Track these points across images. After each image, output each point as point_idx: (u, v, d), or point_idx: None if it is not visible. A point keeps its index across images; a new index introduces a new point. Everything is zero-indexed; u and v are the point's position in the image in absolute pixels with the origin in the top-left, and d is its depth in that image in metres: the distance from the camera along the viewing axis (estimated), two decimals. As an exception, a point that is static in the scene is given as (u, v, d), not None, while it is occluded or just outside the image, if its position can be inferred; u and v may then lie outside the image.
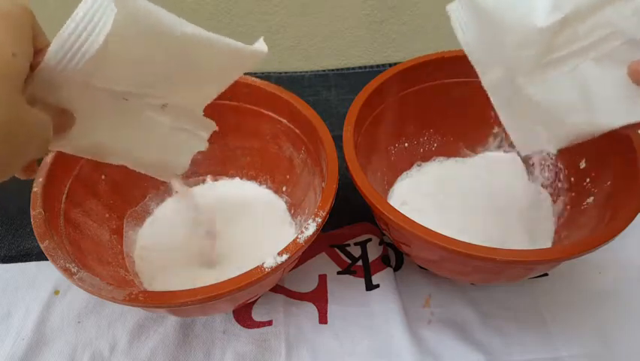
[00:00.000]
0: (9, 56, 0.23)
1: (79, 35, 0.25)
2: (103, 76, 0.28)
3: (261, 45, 0.35)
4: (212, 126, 0.40)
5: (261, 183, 0.54)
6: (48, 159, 0.41)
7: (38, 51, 0.26)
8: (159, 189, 0.52)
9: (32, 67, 0.26)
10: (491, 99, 0.36)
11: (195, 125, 0.38)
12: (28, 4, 0.26)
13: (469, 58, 0.35)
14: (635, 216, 0.36)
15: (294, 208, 0.50)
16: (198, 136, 0.39)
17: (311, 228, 0.37)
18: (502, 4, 0.33)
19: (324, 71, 0.73)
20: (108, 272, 0.41)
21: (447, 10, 0.35)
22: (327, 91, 0.69)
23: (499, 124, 0.37)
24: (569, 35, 0.31)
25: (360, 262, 0.49)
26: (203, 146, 0.40)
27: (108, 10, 0.25)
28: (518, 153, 0.40)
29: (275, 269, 0.34)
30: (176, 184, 0.44)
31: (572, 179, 0.47)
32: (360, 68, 0.73)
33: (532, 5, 0.31)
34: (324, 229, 0.38)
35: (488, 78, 0.36)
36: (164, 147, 0.38)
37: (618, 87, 0.31)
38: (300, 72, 0.72)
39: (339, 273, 0.48)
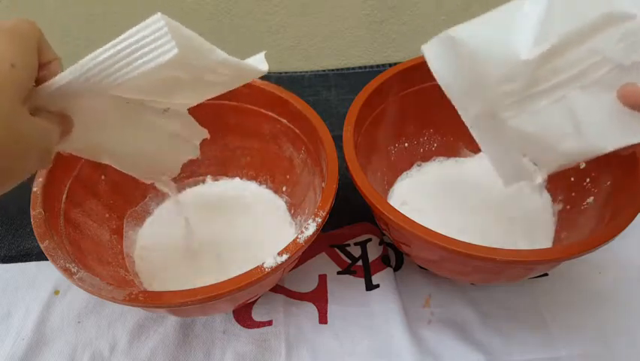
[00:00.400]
0: (7, 66, 0.23)
1: (127, 55, 0.25)
2: (121, 88, 0.28)
3: (262, 64, 0.36)
4: (205, 134, 0.41)
5: (261, 183, 0.54)
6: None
7: (44, 65, 0.26)
8: (159, 189, 0.52)
9: (39, 80, 0.26)
10: (472, 134, 0.36)
11: (190, 132, 0.39)
12: (34, 22, 0.26)
13: (448, 95, 0.35)
14: (635, 216, 0.36)
15: (294, 208, 0.50)
16: (191, 144, 0.40)
17: (311, 228, 0.37)
18: (482, 40, 0.32)
19: (324, 71, 0.73)
20: (108, 272, 0.41)
21: (422, 50, 0.35)
22: (327, 91, 0.69)
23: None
24: (554, 66, 0.31)
25: (360, 262, 0.49)
26: (195, 154, 0.41)
27: (166, 45, 0.25)
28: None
29: (275, 269, 0.34)
30: (160, 185, 0.44)
31: (572, 179, 0.47)
32: (360, 68, 0.73)
33: (514, 39, 0.31)
34: (324, 229, 0.38)
35: (469, 114, 0.35)
36: (159, 152, 0.38)
37: (607, 112, 0.31)
38: (300, 72, 0.72)
39: (339, 273, 0.48)
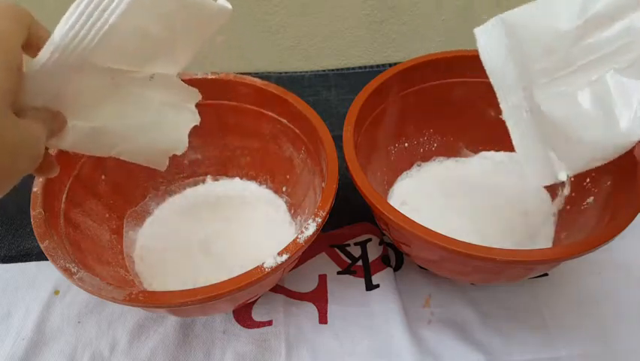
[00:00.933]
0: None
1: (95, 9, 0.25)
2: (101, 53, 0.28)
3: (224, 1, 0.35)
4: (197, 95, 0.39)
5: (261, 183, 0.54)
6: (48, 159, 0.41)
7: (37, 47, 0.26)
8: (159, 189, 0.52)
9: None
10: (508, 125, 0.36)
11: (181, 96, 0.38)
12: (24, 9, 0.25)
13: (493, 81, 0.35)
14: (635, 216, 0.36)
15: (294, 208, 0.50)
16: (187, 109, 0.39)
17: (311, 228, 0.37)
18: (529, 16, 0.33)
19: (324, 71, 0.73)
20: (108, 272, 0.41)
21: (475, 33, 0.35)
22: (327, 91, 0.69)
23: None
24: (591, 42, 0.31)
25: (360, 262, 0.49)
26: (196, 119, 0.40)
27: None
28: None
29: (275, 269, 0.34)
30: None
31: (572, 179, 0.47)
32: (360, 68, 0.73)
33: (558, 11, 0.31)
34: (324, 229, 0.38)
35: (509, 103, 0.35)
36: (158, 126, 0.37)
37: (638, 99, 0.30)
38: (300, 72, 0.72)
39: (339, 273, 0.48)
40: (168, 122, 0.38)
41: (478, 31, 0.35)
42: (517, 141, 0.36)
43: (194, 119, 0.40)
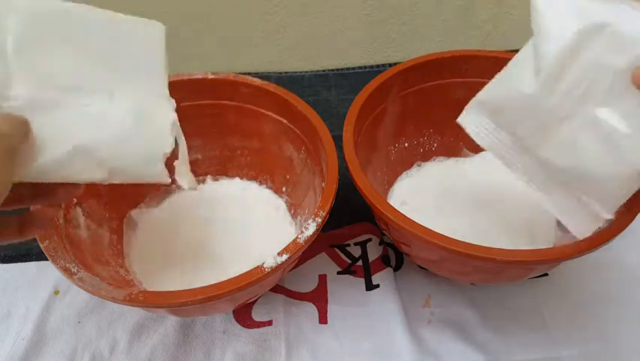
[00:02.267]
0: None
1: None
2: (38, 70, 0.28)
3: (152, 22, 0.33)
4: (172, 103, 0.35)
5: (261, 183, 0.54)
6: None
7: None
8: (159, 189, 0.52)
9: None
10: (528, 186, 0.37)
11: (154, 102, 0.33)
12: None
13: (496, 156, 0.37)
14: (635, 216, 0.36)
15: (294, 208, 0.50)
16: (162, 108, 0.34)
17: (311, 228, 0.37)
18: (498, 90, 0.35)
19: (324, 71, 0.73)
20: (108, 272, 0.41)
21: (459, 123, 0.37)
22: (327, 91, 0.69)
23: None
24: (561, 92, 0.31)
25: (360, 262, 0.49)
26: (173, 115, 0.34)
27: None
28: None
29: (275, 269, 0.34)
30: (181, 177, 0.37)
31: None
32: (360, 68, 0.73)
33: (520, 77, 0.33)
34: (324, 229, 0.38)
35: (520, 170, 0.36)
36: (136, 131, 0.32)
37: (636, 120, 0.30)
38: (300, 72, 0.72)
39: (339, 273, 0.48)
40: (148, 127, 0.33)
41: (461, 120, 0.38)
42: (546, 201, 0.36)
43: (172, 114, 0.34)
